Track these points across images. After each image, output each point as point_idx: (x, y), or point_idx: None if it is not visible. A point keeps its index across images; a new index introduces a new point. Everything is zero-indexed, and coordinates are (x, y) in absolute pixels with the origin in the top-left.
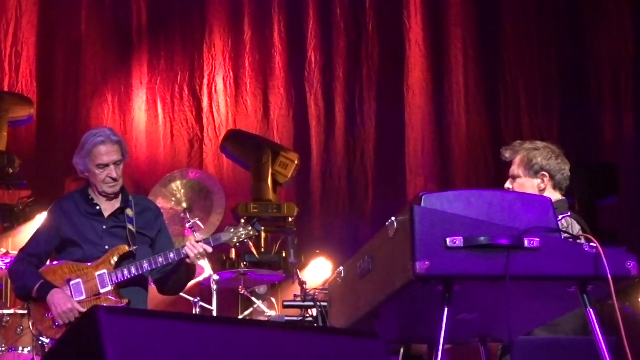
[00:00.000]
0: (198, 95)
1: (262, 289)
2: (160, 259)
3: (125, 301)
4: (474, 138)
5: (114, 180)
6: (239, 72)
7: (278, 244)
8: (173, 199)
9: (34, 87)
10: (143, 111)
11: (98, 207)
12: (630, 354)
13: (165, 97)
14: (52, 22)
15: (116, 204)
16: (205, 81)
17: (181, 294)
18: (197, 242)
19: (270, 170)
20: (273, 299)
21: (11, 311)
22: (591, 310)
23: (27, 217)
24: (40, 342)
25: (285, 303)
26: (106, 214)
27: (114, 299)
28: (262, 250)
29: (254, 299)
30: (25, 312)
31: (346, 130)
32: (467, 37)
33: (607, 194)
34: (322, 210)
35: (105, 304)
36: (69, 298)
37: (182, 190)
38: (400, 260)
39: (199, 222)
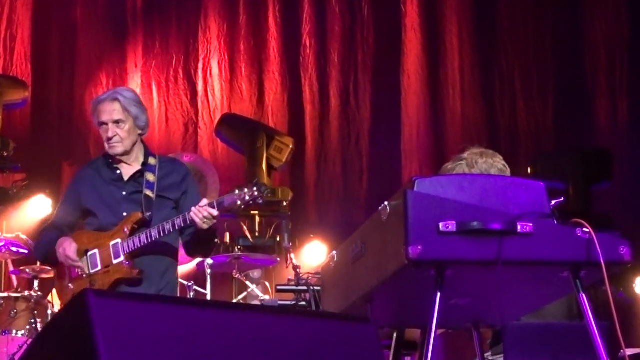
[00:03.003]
0: (193, 79)
1: (256, 273)
2: (168, 226)
3: (136, 272)
4: (469, 123)
5: (110, 139)
6: (234, 56)
7: (272, 228)
8: None
9: (29, 70)
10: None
11: (119, 172)
12: (622, 339)
13: (160, 81)
14: (47, 4)
15: (136, 167)
16: (200, 65)
17: None
18: (201, 206)
19: (265, 155)
20: (267, 283)
21: (5, 294)
22: (584, 295)
23: (21, 200)
24: (34, 326)
25: (279, 287)
26: (126, 178)
27: (125, 269)
28: (257, 234)
29: (248, 283)
30: (19, 295)
31: (341, 115)
32: (463, 22)
33: (602, 179)
34: (317, 195)
35: (117, 276)
36: (71, 244)
37: None
38: (393, 245)
39: None
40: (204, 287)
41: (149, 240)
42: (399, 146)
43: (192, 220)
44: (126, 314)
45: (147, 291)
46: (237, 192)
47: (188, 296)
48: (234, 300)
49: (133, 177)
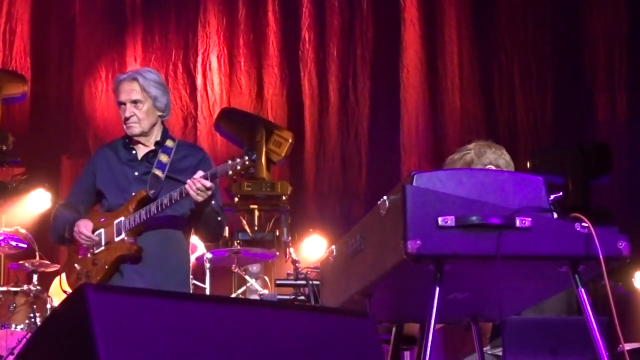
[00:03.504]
0: (192, 73)
1: (255, 268)
2: (165, 200)
3: (134, 248)
4: (468, 117)
5: (127, 119)
6: (233, 50)
7: (271, 222)
8: None
9: (28, 64)
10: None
11: (134, 152)
12: (621, 334)
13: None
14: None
15: (151, 147)
16: (200, 59)
17: None
18: (195, 178)
19: (264, 149)
20: (266, 278)
21: (4, 288)
22: (582, 290)
23: (20, 194)
24: (33, 320)
25: (278, 281)
26: (140, 158)
27: (126, 246)
28: (256, 228)
29: (247, 277)
30: (18, 289)
31: (340, 109)
32: (462, 16)
33: (600, 173)
34: (316, 189)
35: (118, 253)
36: (87, 223)
37: None
38: (392, 239)
39: None
40: (203, 282)
41: (148, 216)
42: (398, 140)
43: (187, 193)
44: (124, 309)
45: (149, 270)
46: (229, 162)
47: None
48: (233, 295)
49: (146, 157)
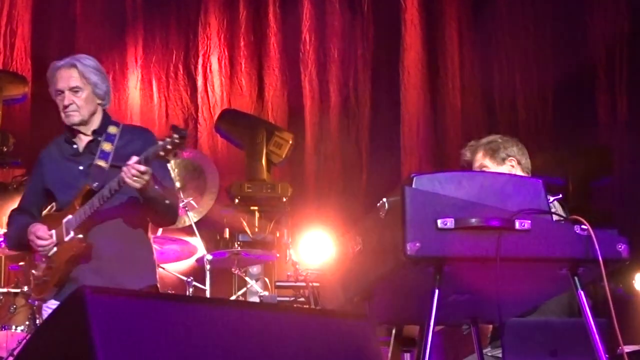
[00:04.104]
0: (193, 74)
1: (255, 269)
2: (105, 192)
3: (83, 245)
4: (469, 118)
5: (66, 107)
6: (234, 52)
7: (272, 223)
8: None
9: (29, 66)
10: (138, 90)
11: (75, 146)
12: (621, 336)
13: (160, 77)
14: (47, 1)
15: (91, 137)
16: (200, 61)
17: (174, 273)
18: (128, 164)
19: (265, 150)
20: (266, 279)
21: (4, 290)
22: (582, 292)
23: (20, 195)
24: (33, 321)
25: (278, 283)
26: (81, 150)
27: (75, 244)
28: (256, 229)
29: (247, 278)
30: (18, 290)
31: (340, 110)
32: (463, 17)
33: (601, 175)
34: (316, 190)
35: (70, 253)
36: (41, 227)
37: (176, 170)
38: (391, 241)
39: (192, 202)
40: (203, 283)
41: (93, 210)
42: (399, 141)
43: (124, 181)
44: (123, 311)
45: (105, 265)
46: (159, 142)
47: (187, 292)
48: (234, 296)
49: (88, 148)
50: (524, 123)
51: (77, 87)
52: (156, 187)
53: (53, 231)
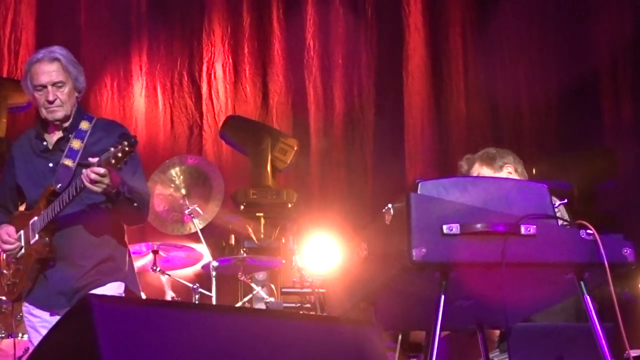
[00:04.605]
0: (197, 81)
1: (261, 275)
2: (65, 196)
3: (46, 250)
4: (473, 123)
5: (51, 103)
6: (238, 58)
7: (277, 230)
8: (172, 185)
9: None
10: (143, 97)
11: (45, 142)
12: (627, 340)
13: (165, 84)
14: (51, 7)
15: (61, 134)
16: (205, 68)
17: (180, 280)
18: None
19: (270, 156)
20: (272, 285)
21: None
22: (588, 297)
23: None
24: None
25: (284, 290)
26: (51, 147)
27: (40, 248)
28: (262, 236)
29: (253, 285)
30: None
31: (345, 116)
32: (467, 21)
33: (606, 178)
34: (321, 196)
35: (35, 256)
36: (7, 228)
37: (181, 177)
38: (397, 247)
39: (197, 209)
40: (209, 290)
41: (54, 214)
42: (403, 147)
43: (84, 185)
44: (129, 319)
45: (72, 270)
46: (111, 149)
47: (193, 298)
48: (239, 302)
49: (57, 145)
50: (529, 127)
51: (60, 81)
52: (120, 189)
53: (21, 232)
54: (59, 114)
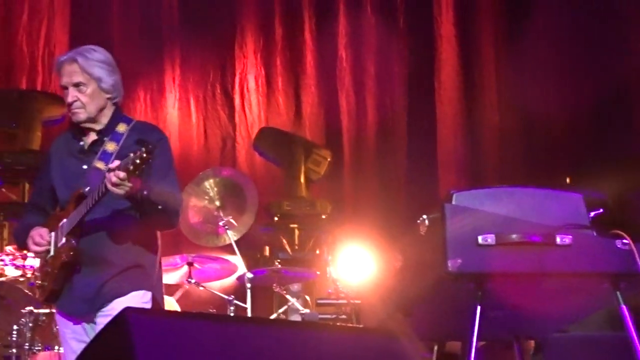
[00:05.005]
0: (230, 94)
1: (295, 287)
2: (90, 199)
3: (71, 253)
4: (506, 133)
5: (70, 105)
6: (271, 70)
7: (312, 241)
8: (206, 197)
9: None
10: (176, 110)
11: (82, 143)
12: None
13: (198, 96)
14: (84, 21)
15: (95, 136)
16: (237, 80)
17: (215, 292)
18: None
19: (303, 168)
20: (307, 297)
21: (47, 310)
22: (625, 307)
23: None
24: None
25: (319, 301)
26: (87, 148)
27: (65, 251)
28: (296, 247)
29: (288, 296)
30: None
31: (377, 126)
32: (498, 31)
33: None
34: (355, 207)
35: (61, 259)
36: (40, 232)
37: (215, 189)
38: (432, 258)
39: (232, 220)
40: (244, 301)
41: (80, 217)
42: (436, 157)
43: (107, 189)
44: (166, 332)
45: (98, 274)
46: (130, 155)
47: (228, 310)
48: (274, 314)
49: (92, 147)
50: (562, 137)
51: (79, 82)
52: (145, 192)
53: (52, 234)
54: (81, 116)
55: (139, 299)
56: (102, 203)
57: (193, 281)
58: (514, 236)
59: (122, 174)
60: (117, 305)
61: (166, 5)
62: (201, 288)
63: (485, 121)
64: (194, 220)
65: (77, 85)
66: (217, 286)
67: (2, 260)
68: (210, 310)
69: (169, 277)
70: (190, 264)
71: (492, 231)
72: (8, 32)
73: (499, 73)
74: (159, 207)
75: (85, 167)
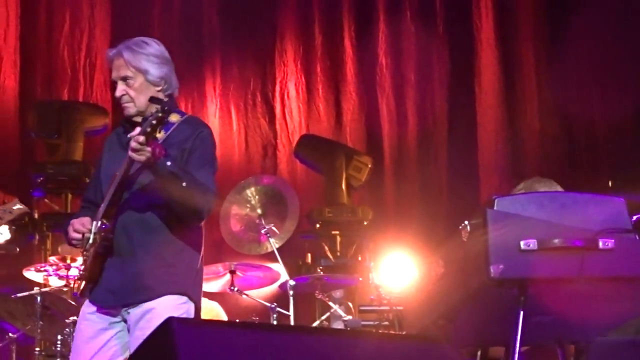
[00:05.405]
0: (271, 101)
1: (338, 293)
2: (118, 176)
3: (102, 235)
4: (547, 137)
5: (120, 99)
6: (311, 77)
7: (353, 247)
8: (248, 205)
9: (109, 97)
10: (217, 118)
11: (129, 135)
12: None
13: (239, 104)
14: (124, 31)
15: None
16: (278, 87)
17: (257, 299)
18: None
19: (344, 174)
20: (350, 303)
21: None
22: None
23: None
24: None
25: (361, 308)
26: None
27: (99, 236)
28: (338, 254)
29: (330, 303)
30: None
31: (418, 132)
32: (539, 35)
33: None
34: (396, 213)
35: (94, 246)
36: (81, 221)
37: (257, 196)
38: (474, 264)
39: (274, 228)
40: (287, 309)
41: (111, 195)
42: (477, 162)
43: (132, 159)
44: (210, 341)
45: (124, 263)
46: (149, 118)
47: (271, 318)
48: (317, 321)
49: None
50: (603, 141)
51: (126, 76)
52: (169, 163)
53: (94, 222)
54: (130, 110)
55: (174, 303)
56: (138, 191)
57: (236, 289)
58: (556, 241)
59: (141, 138)
60: (152, 305)
61: (206, 15)
62: (244, 296)
63: (526, 126)
64: (236, 229)
65: (124, 79)
66: (259, 294)
67: (46, 270)
68: (253, 318)
69: (212, 285)
70: (232, 272)
71: (534, 236)
72: (50, 43)
73: (540, 77)
74: (183, 183)
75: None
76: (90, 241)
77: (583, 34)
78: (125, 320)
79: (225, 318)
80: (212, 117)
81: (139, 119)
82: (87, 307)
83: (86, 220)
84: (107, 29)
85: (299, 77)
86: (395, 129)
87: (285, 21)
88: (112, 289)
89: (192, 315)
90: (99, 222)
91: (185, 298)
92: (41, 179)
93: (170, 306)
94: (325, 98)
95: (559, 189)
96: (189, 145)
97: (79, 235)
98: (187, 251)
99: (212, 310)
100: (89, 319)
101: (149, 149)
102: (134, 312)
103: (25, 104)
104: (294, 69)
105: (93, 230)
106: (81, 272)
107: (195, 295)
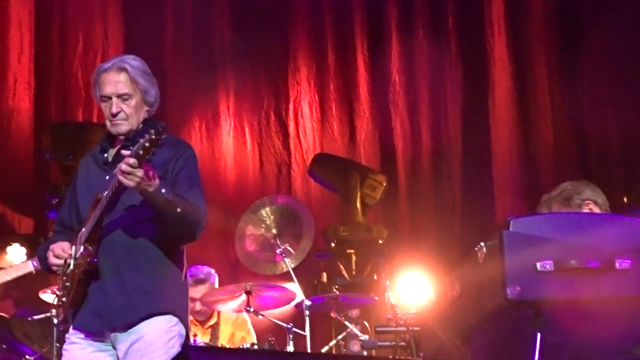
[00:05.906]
0: (284, 120)
1: (354, 313)
2: (104, 200)
3: (88, 260)
4: (561, 152)
5: (114, 116)
6: (324, 96)
7: (369, 266)
8: (263, 225)
9: None
10: (231, 137)
11: (106, 155)
12: None
13: (253, 123)
14: (137, 52)
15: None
16: (291, 106)
17: (274, 320)
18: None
19: (359, 193)
20: (366, 323)
21: None
22: None
23: None
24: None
25: (378, 329)
26: (111, 159)
27: (82, 260)
28: (353, 273)
29: (346, 322)
30: None
31: (432, 150)
32: (551, 51)
33: None
34: (411, 231)
35: (78, 269)
36: (60, 245)
37: (272, 216)
38: (490, 285)
39: (289, 248)
40: (303, 329)
41: (95, 219)
42: (491, 178)
43: (121, 184)
44: None
45: (109, 287)
46: (140, 140)
47: (288, 338)
48: (333, 341)
49: (117, 157)
50: (618, 156)
51: (126, 94)
52: (164, 190)
53: (73, 247)
54: (123, 127)
55: (164, 324)
56: (121, 211)
57: (252, 309)
58: (572, 262)
59: (132, 160)
60: (140, 329)
61: (218, 34)
62: (260, 316)
63: (540, 141)
64: (251, 249)
65: (122, 96)
66: (275, 314)
67: None
68: (269, 339)
69: (227, 306)
70: (248, 293)
71: (551, 257)
72: (63, 64)
73: (553, 93)
74: (178, 209)
75: (107, 177)
76: (72, 267)
77: (596, 48)
78: (114, 347)
79: (251, 327)
80: (226, 137)
81: (121, 137)
82: (74, 334)
83: (66, 245)
84: (121, 49)
85: (312, 96)
86: (409, 147)
87: (298, 40)
88: (98, 311)
89: (183, 335)
90: (82, 247)
91: (175, 320)
92: (56, 200)
93: (160, 331)
94: (339, 116)
95: (604, 197)
96: (172, 167)
97: (60, 262)
98: (172, 266)
99: (240, 319)
100: (78, 342)
101: (140, 172)
102: (122, 338)
103: (40, 126)
104: (307, 88)
105: (74, 255)
106: (62, 299)
107: (182, 312)
